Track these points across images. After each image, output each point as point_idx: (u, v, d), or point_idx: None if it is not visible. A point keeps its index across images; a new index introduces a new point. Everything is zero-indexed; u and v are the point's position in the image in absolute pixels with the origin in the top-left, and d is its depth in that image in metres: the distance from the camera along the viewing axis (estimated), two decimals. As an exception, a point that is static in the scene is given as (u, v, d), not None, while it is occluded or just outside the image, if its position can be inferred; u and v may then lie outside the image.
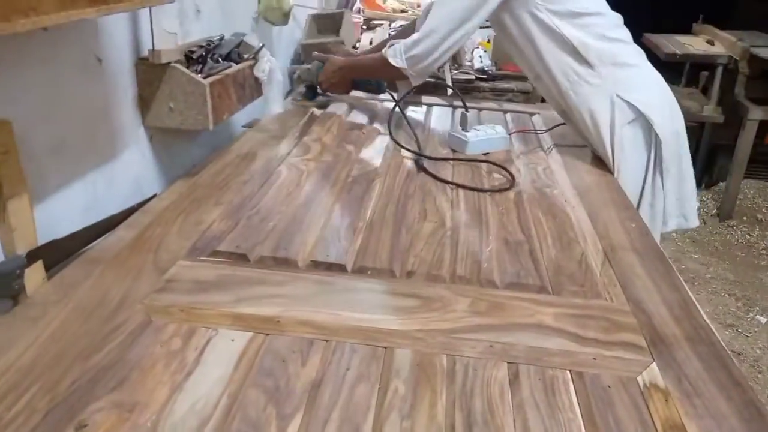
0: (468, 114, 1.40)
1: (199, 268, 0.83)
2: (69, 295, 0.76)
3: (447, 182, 1.18)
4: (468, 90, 1.96)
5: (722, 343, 0.75)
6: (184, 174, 1.19)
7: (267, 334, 0.72)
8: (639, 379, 0.68)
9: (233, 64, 1.27)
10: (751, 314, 2.35)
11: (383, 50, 1.43)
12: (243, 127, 1.52)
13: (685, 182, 1.40)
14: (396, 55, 1.39)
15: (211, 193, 1.07)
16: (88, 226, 0.94)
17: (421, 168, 1.24)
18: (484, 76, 1.96)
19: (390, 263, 0.87)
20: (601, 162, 1.37)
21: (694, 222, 1.44)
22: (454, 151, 1.38)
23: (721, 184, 3.63)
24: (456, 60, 2.08)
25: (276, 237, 0.92)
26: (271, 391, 0.62)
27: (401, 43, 1.39)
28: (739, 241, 3.16)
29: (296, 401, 0.61)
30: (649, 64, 1.39)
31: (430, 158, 1.29)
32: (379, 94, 1.64)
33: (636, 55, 1.38)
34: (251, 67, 1.32)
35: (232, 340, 0.70)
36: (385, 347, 0.71)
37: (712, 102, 3.31)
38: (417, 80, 1.44)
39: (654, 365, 0.70)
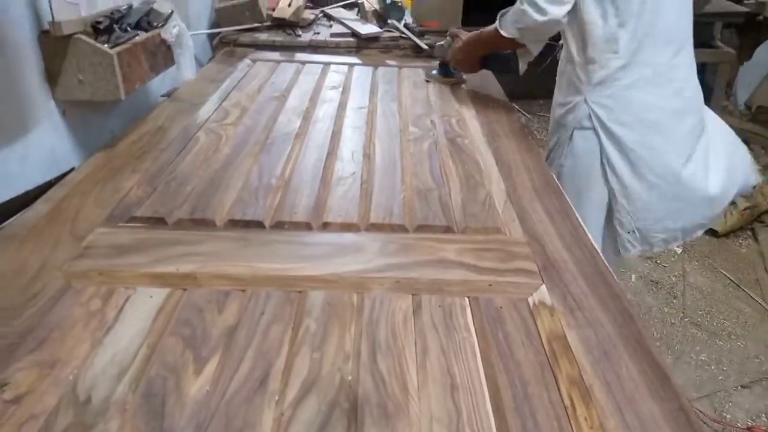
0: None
1: (116, 234, 0.86)
2: (-16, 268, 0.77)
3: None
4: (390, 48, 1.99)
5: (605, 262, 0.84)
6: (103, 146, 1.19)
7: (185, 289, 0.75)
8: (529, 299, 0.76)
9: (143, 32, 1.26)
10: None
11: (496, 20, 1.32)
12: (162, 96, 1.51)
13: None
14: (505, 26, 1.29)
15: (128, 162, 1.08)
16: (1, 204, 0.94)
17: None
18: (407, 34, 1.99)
19: (307, 217, 0.91)
20: (512, 110, 1.44)
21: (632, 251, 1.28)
22: None
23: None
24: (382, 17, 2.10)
25: (194, 200, 0.94)
26: (188, 338, 0.67)
27: (510, 11, 1.28)
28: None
29: (213, 345, 0.66)
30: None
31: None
32: (505, 73, 1.52)
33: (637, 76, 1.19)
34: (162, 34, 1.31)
35: (151, 297, 0.74)
36: (299, 291, 0.76)
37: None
38: (534, 48, 1.34)
39: (543, 287, 0.77)
